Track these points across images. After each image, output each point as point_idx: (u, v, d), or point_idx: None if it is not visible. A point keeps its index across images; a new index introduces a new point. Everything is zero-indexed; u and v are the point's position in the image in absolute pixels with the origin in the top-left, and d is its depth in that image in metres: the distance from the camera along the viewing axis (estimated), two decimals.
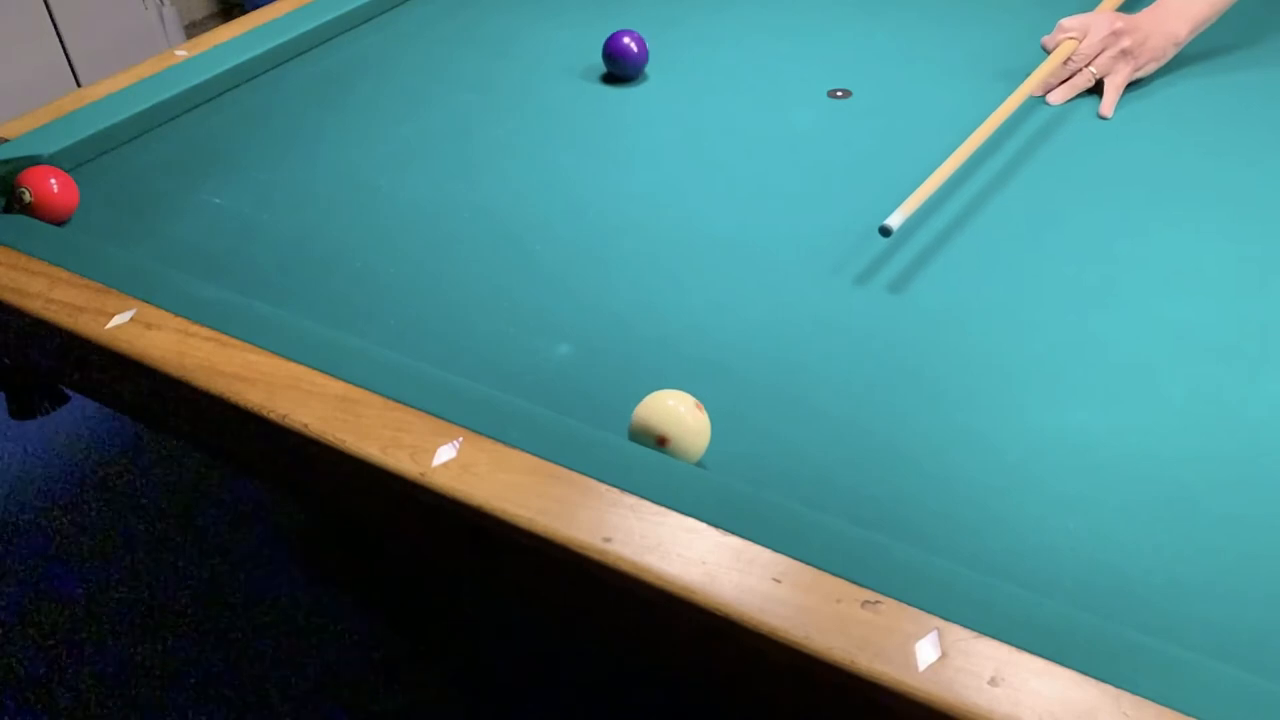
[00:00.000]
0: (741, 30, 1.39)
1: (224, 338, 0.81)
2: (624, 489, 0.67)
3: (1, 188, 1.01)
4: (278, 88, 1.29)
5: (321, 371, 0.77)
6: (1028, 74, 1.15)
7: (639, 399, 0.75)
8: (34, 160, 1.05)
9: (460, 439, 0.71)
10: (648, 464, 0.69)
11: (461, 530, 0.70)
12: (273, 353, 0.79)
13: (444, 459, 0.70)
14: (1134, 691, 0.54)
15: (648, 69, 1.29)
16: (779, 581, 0.61)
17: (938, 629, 0.58)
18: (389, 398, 0.75)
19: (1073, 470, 0.73)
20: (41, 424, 1.74)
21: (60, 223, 1.00)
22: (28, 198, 0.98)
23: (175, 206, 1.06)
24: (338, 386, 0.76)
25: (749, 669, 0.63)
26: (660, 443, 0.71)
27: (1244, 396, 0.79)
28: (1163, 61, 1.22)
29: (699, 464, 0.73)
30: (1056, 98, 1.21)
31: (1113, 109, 1.18)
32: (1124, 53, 1.19)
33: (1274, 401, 0.78)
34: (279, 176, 1.11)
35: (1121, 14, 1.22)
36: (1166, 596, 0.64)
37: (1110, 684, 0.55)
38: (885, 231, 0.91)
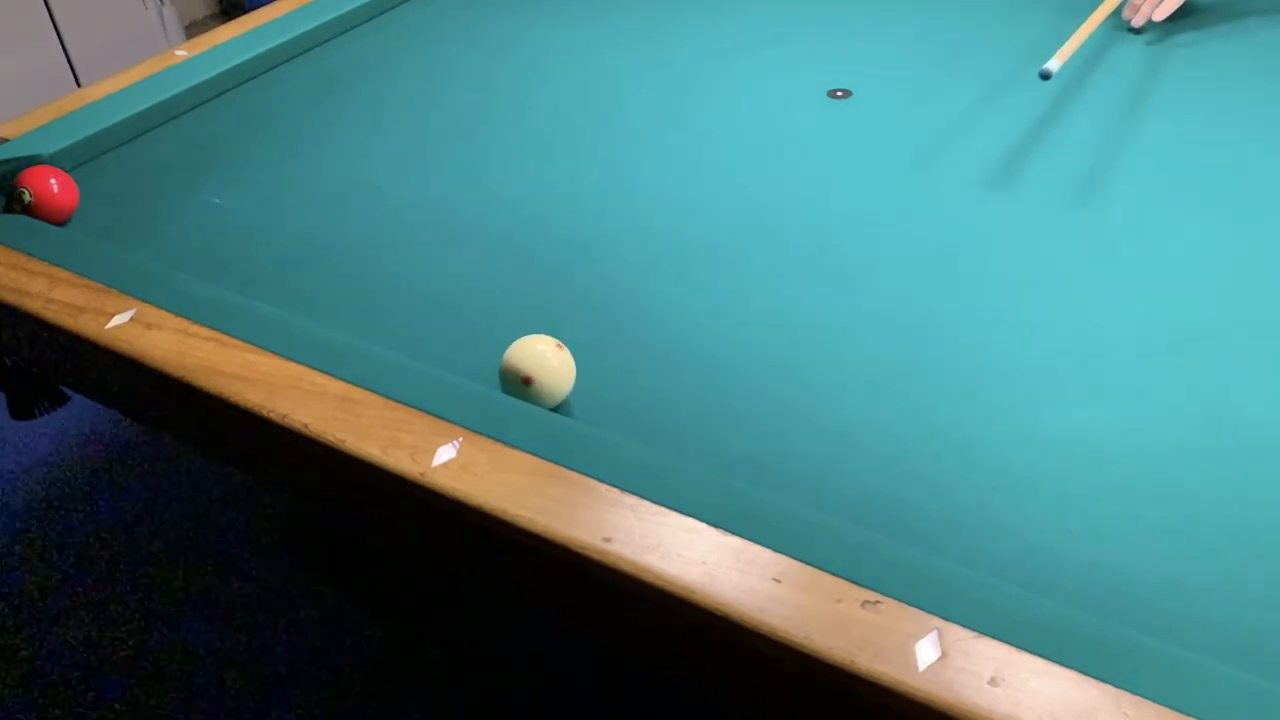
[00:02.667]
0: (740, 30, 1.39)
1: (224, 338, 0.81)
2: (624, 489, 0.67)
3: (1, 188, 1.01)
4: (278, 88, 1.29)
5: (321, 371, 0.77)
6: (1029, 73, 1.15)
7: (639, 398, 0.75)
8: (34, 160, 1.05)
9: (460, 439, 0.71)
10: (648, 464, 0.69)
11: (461, 530, 0.70)
12: (273, 353, 0.79)
13: (444, 459, 0.70)
14: (1134, 691, 0.54)
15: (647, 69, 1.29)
16: (779, 581, 0.61)
17: (938, 629, 0.58)
18: (389, 398, 0.75)
19: (1072, 470, 0.73)
20: (41, 424, 1.74)
21: (60, 223, 1.00)
22: (28, 198, 0.98)
23: (175, 206, 1.06)
24: (338, 386, 0.76)
25: (749, 669, 0.62)
26: (525, 383, 0.74)
27: (1245, 396, 0.79)
28: None
29: (562, 406, 0.76)
30: (1139, 20, 1.31)
31: (1166, 14, 1.28)
32: None
33: (1274, 401, 0.78)
34: (279, 176, 1.11)
35: None
36: (1166, 596, 0.64)
37: (1110, 684, 0.55)
38: (1045, 75, 0.97)
